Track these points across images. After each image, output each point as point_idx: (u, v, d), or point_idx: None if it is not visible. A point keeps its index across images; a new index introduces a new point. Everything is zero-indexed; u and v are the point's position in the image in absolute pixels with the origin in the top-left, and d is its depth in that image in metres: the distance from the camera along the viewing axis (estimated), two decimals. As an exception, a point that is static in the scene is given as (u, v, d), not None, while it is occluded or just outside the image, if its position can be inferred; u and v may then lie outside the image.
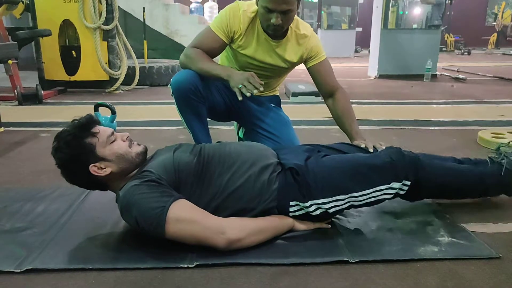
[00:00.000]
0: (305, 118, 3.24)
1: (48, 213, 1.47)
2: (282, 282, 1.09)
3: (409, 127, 2.99)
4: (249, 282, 1.09)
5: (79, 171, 1.24)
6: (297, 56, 1.91)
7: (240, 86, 1.61)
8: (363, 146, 1.58)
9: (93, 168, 1.23)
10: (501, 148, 1.57)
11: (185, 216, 1.15)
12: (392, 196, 1.32)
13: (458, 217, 1.46)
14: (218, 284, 1.08)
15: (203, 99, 1.86)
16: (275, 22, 1.68)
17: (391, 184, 1.30)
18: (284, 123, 2.04)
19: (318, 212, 1.28)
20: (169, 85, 1.88)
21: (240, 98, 1.63)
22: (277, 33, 1.79)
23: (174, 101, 1.88)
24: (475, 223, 1.43)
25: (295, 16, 1.83)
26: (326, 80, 1.95)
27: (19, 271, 1.11)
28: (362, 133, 1.78)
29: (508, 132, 2.60)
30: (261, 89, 1.62)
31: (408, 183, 1.32)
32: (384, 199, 1.32)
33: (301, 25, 1.91)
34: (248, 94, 1.60)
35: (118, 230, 1.34)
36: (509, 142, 1.64)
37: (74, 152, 1.22)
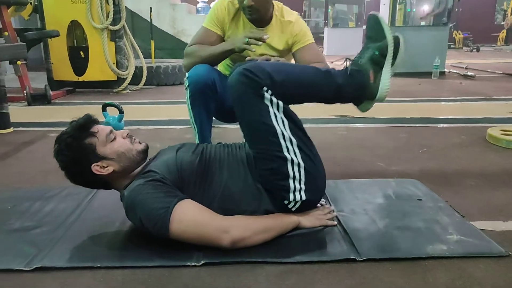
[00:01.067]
0: (311, 116, 3.23)
1: (56, 212, 1.48)
2: (288, 280, 1.08)
3: (418, 125, 2.97)
4: (256, 281, 1.09)
5: (82, 172, 1.25)
6: (282, 42, 1.93)
7: (247, 40, 1.68)
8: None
9: (95, 168, 1.23)
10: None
11: (189, 217, 1.15)
12: (278, 103, 1.25)
13: (467, 215, 1.44)
14: (225, 282, 1.08)
15: (216, 95, 1.87)
16: (247, 2, 1.75)
17: (267, 103, 1.23)
18: None
19: (302, 194, 1.26)
20: (185, 78, 1.87)
21: (254, 50, 1.70)
22: (253, 16, 1.82)
23: (187, 94, 1.86)
24: (484, 221, 1.42)
25: (280, 4, 1.91)
26: (316, 58, 1.93)
27: (28, 269, 1.12)
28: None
29: (517, 129, 2.57)
30: (265, 37, 1.67)
31: (265, 88, 1.23)
32: (284, 110, 1.27)
33: (285, 12, 1.94)
34: (259, 43, 1.68)
35: (125, 228, 1.35)
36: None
37: (75, 153, 1.23)
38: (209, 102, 1.87)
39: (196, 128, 1.95)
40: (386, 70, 1.37)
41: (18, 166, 2.14)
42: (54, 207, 1.53)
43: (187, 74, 1.87)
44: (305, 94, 1.34)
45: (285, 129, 1.25)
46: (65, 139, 1.23)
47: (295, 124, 1.29)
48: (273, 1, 1.91)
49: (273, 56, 1.78)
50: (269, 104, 1.24)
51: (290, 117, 1.28)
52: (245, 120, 1.30)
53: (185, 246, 1.18)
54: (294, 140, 1.26)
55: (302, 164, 1.26)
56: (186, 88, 1.86)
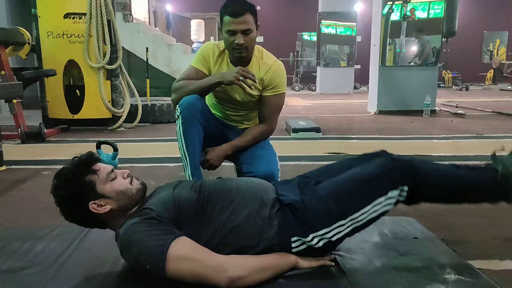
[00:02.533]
0: (306, 154, 3.24)
1: (47, 252, 1.45)
2: (285, 323, 1.05)
3: (411, 162, 2.99)
4: (252, 323, 1.06)
5: (78, 209, 1.23)
6: (257, 82, 1.97)
7: (241, 78, 1.80)
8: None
9: (92, 206, 1.22)
10: (496, 154, 1.52)
11: (186, 255, 1.13)
12: (393, 205, 1.28)
13: (463, 254, 1.43)
14: (220, 326, 1.05)
15: (205, 123, 1.95)
16: (238, 41, 1.84)
17: (388, 194, 1.26)
18: (260, 157, 2.02)
19: (321, 243, 1.26)
20: (176, 107, 1.94)
21: (247, 89, 1.85)
22: (242, 54, 1.90)
23: (179, 122, 1.92)
24: (481, 259, 1.41)
25: (261, 48, 2.03)
26: (265, 111, 2.05)
27: (15, 313, 1.08)
28: (229, 145, 1.99)
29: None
30: (255, 76, 1.83)
31: (406, 188, 1.28)
32: (386, 211, 1.29)
33: (265, 55, 2.04)
34: (254, 84, 1.83)
35: (117, 269, 1.32)
36: (503, 147, 1.62)
37: (74, 189, 1.22)
38: (200, 129, 1.94)
39: (187, 158, 1.96)
40: None
41: (9, 204, 2.11)
42: (45, 247, 1.49)
43: (178, 104, 1.95)
44: (445, 199, 1.44)
45: (369, 213, 1.27)
46: (65, 174, 1.23)
47: (368, 223, 1.31)
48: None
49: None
50: (389, 195, 1.27)
51: (376, 219, 1.30)
52: (358, 176, 1.32)
53: (182, 285, 1.15)
54: (359, 223, 1.27)
55: (340, 234, 1.27)
56: (177, 117, 1.93)
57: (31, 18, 4.69)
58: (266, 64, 1.99)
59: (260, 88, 2.02)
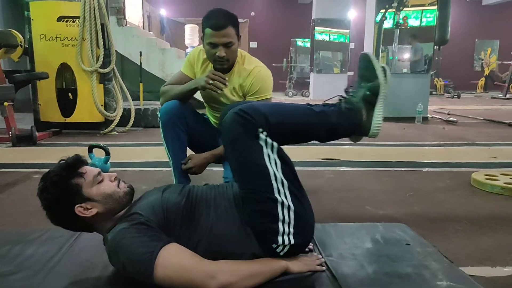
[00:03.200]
0: (298, 159, 3.25)
1: (36, 257, 1.43)
2: (277, 329, 1.05)
3: (403, 169, 3.01)
4: (243, 329, 1.05)
5: (64, 212, 1.22)
6: (237, 88, 2.03)
7: (211, 82, 1.87)
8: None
9: (78, 209, 1.21)
10: (346, 89, 1.50)
11: (174, 262, 1.12)
12: (272, 144, 1.25)
13: (455, 260, 1.43)
14: (211, 332, 1.04)
15: (187, 127, 2.02)
16: (220, 54, 1.89)
17: (261, 144, 1.23)
18: None
19: (291, 238, 1.23)
20: (157, 112, 2.02)
21: (219, 91, 1.90)
22: (224, 65, 1.95)
23: (161, 126, 2.03)
24: (472, 266, 1.41)
25: (245, 53, 2.07)
26: None
27: (2, 318, 1.07)
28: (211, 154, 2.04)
29: (501, 174, 2.62)
30: (226, 79, 1.89)
31: (261, 129, 1.23)
32: (278, 152, 1.26)
33: (246, 61, 2.06)
34: (223, 87, 1.88)
35: (107, 273, 1.30)
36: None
37: (60, 192, 1.20)
38: (180, 133, 2.01)
39: (170, 158, 2.07)
40: (378, 109, 1.42)
41: (-2, 208, 2.08)
42: (34, 251, 1.47)
43: (161, 107, 2.04)
44: (300, 135, 1.37)
45: (277, 170, 1.25)
46: (51, 177, 1.21)
47: (288, 167, 1.29)
48: (239, 49, 2.03)
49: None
50: (263, 144, 1.24)
51: (283, 158, 1.29)
52: (237, 160, 1.28)
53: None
54: (285, 183, 1.25)
55: (292, 207, 1.25)
56: (159, 121, 2.03)
57: (24, 21, 4.67)
58: (245, 70, 2.01)
59: (241, 94, 2.03)
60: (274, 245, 1.25)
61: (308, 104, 1.45)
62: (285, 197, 1.24)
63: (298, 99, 11.08)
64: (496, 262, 1.45)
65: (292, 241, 1.25)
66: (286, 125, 1.31)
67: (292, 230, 1.25)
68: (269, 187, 1.23)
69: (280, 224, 1.23)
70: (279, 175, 1.25)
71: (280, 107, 1.39)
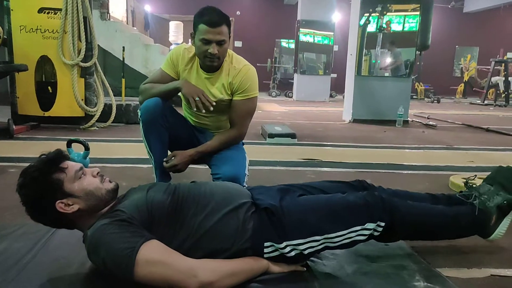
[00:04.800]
0: (281, 159, 3.25)
1: (10, 252, 1.39)
2: (255, 328, 1.04)
3: (383, 171, 3.04)
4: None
5: (45, 208, 1.19)
6: (226, 86, 2.02)
7: (197, 99, 1.87)
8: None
9: (59, 205, 1.18)
10: (468, 182, 1.62)
11: (155, 258, 1.11)
12: (366, 237, 1.32)
13: (433, 262, 1.45)
14: (189, 330, 1.03)
15: (168, 124, 1.99)
16: (212, 51, 1.87)
17: (366, 225, 1.30)
18: (228, 160, 2.02)
19: (293, 253, 1.25)
20: (137, 110, 1.98)
21: (194, 109, 1.90)
22: (214, 63, 1.94)
23: (141, 124, 2.00)
24: (449, 268, 1.43)
25: (232, 52, 2.06)
26: (235, 116, 2.08)
27: (-27, 315, 1.03)
28: (195, 151, 2.01)
29: (478, 178, 2.67)
30: (213, 104, 1.90)
31: (383, 224, 1.31)
32: (359, 241, 1.31)
33: (234, 59, 2.06)
34: (203, 111, 1.90)
35: (84, 271, 1.28)
36: (475, 175, 1.70)
37: (41, 188, 1.17)
38: (161, 130, 1.98)
39: (152, 157, 2.03)
40: (508, 218, 1.51)
41: (-29, 202, 2.02)
42: (7, 247, 1.43)
43: (141, 105, 2.01)
44: (421, 237, 1.52)
45: (345, 237, 1.29)
46: (31, 173, 1.18)
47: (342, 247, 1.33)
48: None
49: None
50: (365, 227, 1.30)
51: (348, 246, 1.34)
52: (340, 199, 1.35)
53: (148, 289, 1.12)
54: (332, 245, 1.29)
55: (312, 250, 1.28)
56: (139, 119, 2.00)
57: (3, 11, 4.54)
58: (235, 68, 2.01)
59: (229, 92, 2.02)
60: (268, 243, 1.24)
61: (444, 201, 1.56)
62: (320, 244, 1.28)
63: (281, 99, 11.10)
64: (472, 264, 1.48)
65: (291, 254, 1.26)
66: (417, 227, 1.43)
67: (294, 253, 1.26)
68: (331, 229, 1.28)
69: (299, 241, 1.25)
70: (340, 240, 1.29)
71: (418, 209, 1.45)
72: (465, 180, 1.66)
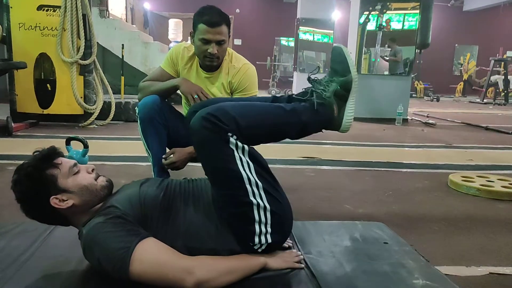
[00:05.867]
0: (280, 157, 3.25)
1: (7, 250, 1.39)
2: (254, 326, 1.04)
3: (382, 169, 3.04)
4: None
5: (39, 204, 1.18)
6: (225, 85, 2.03)
7: (196, 96, 1.86)
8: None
9: (54, 201, 1.17)
10: (310, 78, 1.46)
11: (151, 257, 1.10)
12: (243, 147, 1.22)
13: (431, 260, 1.45)
14: (187, 328, 1.02)
15: (166, 122, 1.99)
16: (212, 51, 1.87)
17: (232, 148, 1.20)
18: None
19: (263, 238, 1.23)
20: (135, 107, 2.02)
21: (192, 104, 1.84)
22: (214, 63, 1.94)
23: (138, 122, 1.99)
24: (448, 266, 1.43)
25: (231, 50, 2.06)
26: None
27: (-30, 313, 1.03)
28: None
29: (477, 176, 2.67)
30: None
31: (230, 134, 1.19)
32: (249, 153, 1.23)
33: (234, 58, 2.06)
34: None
35: (81, 269, 1.27)
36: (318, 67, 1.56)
37: (35, 184, 1.17)
38: (159, 127, 1.98)
39: (150, 155, 2.04)
40: (349, 104, 1.39)
41: (-30, 200, 2.01)
42: (5, 245, 1.43)
43: (138, 103, 2.01)
44: (271, 135, 1.34)
45: (251, 173, 1.22)
46: (25, 169, 1.17)
47: (261, 166, 1.27)
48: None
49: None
50: (234, 148, 1.20)
51: (256, 159, 1.26)
52: (209, 166, 1.25)
53: (146, 287, 1.12)
54: (260, 184, 1.23)
55: (268, 207, 1.23)
56: (136, 117, 2.00)
57: (2, 8, 4.53)
58: (234, 67, 2.01)
59: (228, 91, 2.02)
60: (251, 243, 1.24)
61: (276, 100, 1.42)
62: (261, 198, 1.22)
63: (280, 98, 11.08)
64: (471, 262, 1.48)
65: (270, 240, 1.24)
66: (257, 127, 1.28)
67: (269, 229, 1.24)
68: (243, 191, 1.21)
69: (256, 226, 1.22)
70: (253, 177, 1.22)
71: (250, 108, 1.34)
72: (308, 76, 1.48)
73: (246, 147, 1.22)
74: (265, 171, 1.28)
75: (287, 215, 1.32)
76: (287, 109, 1.34)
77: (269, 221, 1.23)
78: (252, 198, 1.21)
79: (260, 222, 1.22)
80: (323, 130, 1.45)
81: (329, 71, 1.44)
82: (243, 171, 1.21)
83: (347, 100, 1.38)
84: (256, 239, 1.23)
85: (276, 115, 1.33)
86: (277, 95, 1.46)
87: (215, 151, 1.21)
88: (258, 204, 1.21)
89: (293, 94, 1.45)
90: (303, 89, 1.42)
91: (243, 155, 1.22)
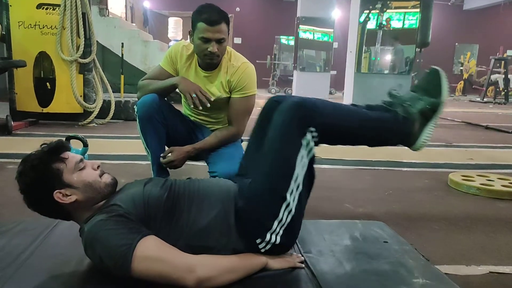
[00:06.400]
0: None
1: (7, 249, 1.38)
2: (254, 325, 1.04)
3: (383, 168, 3.04)
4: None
5: (42, 197, 1.18)
6: (224, 84, 2.02)
7: (194, 95, 1.86)
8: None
9: (57, 195, 1.17)
10: (391, 92, 1.50)
11: (153, 254, 1.10)
12: (313, 148, 1.26)
13: (431, 258, 1.45)
14: (187, 327, 1.02)
15: (165, 121, 1.99)
16: (212, 50, 1.86)
17: (303, 143, 1.23)
18: (225, 158, 2.02)
19: (279, 238, 1.24)
20: (134, 106, 2.01)
21: (191, 106, 1.89)
22: (214, 61, 1.94)
23: (137, 120, 2.00)
24: (448, 265, 1.43)
25: (231, 49, 2.05)
26: (233, 114, 2.06)
27: (-30, 312, 1.03)
28: (192, 147, 2.01)
29: (477, 175, 2.67)
30: (211, 99, 1.90)
31: (313, 129, 1.24)
32: (312, 157, 1.27)
33: (233, 57, 2.04)
34: (200, 108, 1.88)
35: (82, 268, 1.27)
36: (400, 84, 1.63)
37: (39, 176, 1.17)
38: (158, 126, 1.98)
39: (149, 153, 2.03)
40: (431, 125, 1.44)
41: (-31, 198, 2.01)
42: (6, 243, 1.43)
43: (137, 102, 2.01)
44: (351, 139, 1.40)
45: (301, 173, 1.24)
46: (31, 160, 1.17)
47: (310, 175, 1.29)
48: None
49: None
50: (304, 144, 1.24)
51: (311, 168, 1.29)
52: (269, 144, 1.28)
53: (148, 286, 1.12)
54: (300, 188, 1.25)
55: (293, 211, 1.25)
56: (136, 115, 2.00)
57: (2, 7, 4.53)
58: (233, 66, 2.00)
59: (227, 90, 2.01)
60: (259, 240, 1.24)
61: (364, 106, 1.45)
62: (293, 200, 1.24)
63: (280, 97, 11.07)
64: (471, 261, 1.48)
65: (278, 241, 1.25)
66: (340, 128, 1.32)
67: (281, 231, 1.25)
68: (285, 185, 1.23)
69: (275, 223, 1.23)
70: (300, 178, 1.24)
71: (340, 109, 1.38)
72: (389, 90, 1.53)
73: (313, 150, 1.26)
74: (309, 182, 1.31)
75: (298, 227, 1.34)
76: (373, 116, 1.38)
77: (286, 224, 1.25)
78: (288, 195, 1.23)
79: (280, 221, 1.24)
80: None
81: (417, 89, 1.48)
82: (297, 168, 1.24)
83: (429, 121, 1.43)
84: (267, 236, 1.23)
85: (361, 120, 1.37)
86: (356, 104, 1.49)
87: (286, 136, 1.24)
88: (288, 204, 1.23)
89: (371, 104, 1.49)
90: (383, 102, 1.47)
91: (306, 156, 1.25)
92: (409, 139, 1.43)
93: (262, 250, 1.26)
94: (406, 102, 1.43)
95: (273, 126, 1.30)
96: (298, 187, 1.25)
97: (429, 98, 1.43)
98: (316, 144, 1.27)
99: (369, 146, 1.46)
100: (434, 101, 1.42)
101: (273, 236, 1.24)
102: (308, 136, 1.24)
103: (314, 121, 1.24)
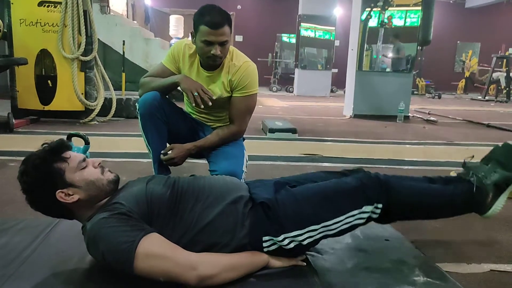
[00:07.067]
0: (281, 154, 3.25)
1: (10, 246, 1.39)
2: (255, 323, 1.04)
3: (384, 166, 3.04)
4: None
5: (45, 197, 1.19)
6: (226, 83, 2.01)
7: (196, 94, 1.85)
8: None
9: (59, 195, 1.18)
10: (467, 163, 1.57)
11: (155, 252, 1.11)
12: (365, 220, 1.31)
13: (432, 257, 1.46)
14: (189, 324, 1.03)
15: (166, 118, 1.99)
16: (215, 52, 1.85)
17: (363, 208, 1.29)
18: (226, 157, 2.02)
19: (292, 245, 1.25)
20: (136, 104, 2.01)
21: (193, 104, 1.88)
22: (217, 63, 1.94)
23: (139, 117, 1.99)
24: (449, 262, 1.44)
25: (232, 48, 2.03)
26: (234, 112, 2.06)
27: (-27, 308, 1.04)
28: (193, 145, 2.00)
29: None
30: (213, 98, 1.89)
31: (380, 205, 1.31)
32: (358, 224, 1.31)
33: (235, 56, 2.03)
34: (202, 106, 1.87)
35: (84, 265, 1.28)
36: (472, 156, 1.68)
37: (42, 176, 1.17)
38: (160, 124, 1.98)
39: (151, 151, 2.03)
40: (503, 197, 1.47)
41: (-28, 196, 2.02)
42: (8, 241, 1.44)
43: (138, 100, 2.01)
44: (417, 215, 1.49)
45: (343, 224, 1.29)
46: (33, 160, 1.18)
47: (344, 231, 1.33)
48: None
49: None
50: (364, 210, 1.30)
51: (352, 228, 1.33)
52: (333, 189, 1.33)
53: (148, 284, 1.12)
54: (333, 232, 1.29)
55: (313, 238, 1.27)
56: (137, 112, 1.99)
57: (3, 4, 4.53)
58: (234, 65, 1.99)
59: (228, 89, 2.01)
60: (267, 238, 1.25)
61: (431, 181, 1.50)
62: (319, 232, 1.27)
63: (282, 94, 11.07)
64: (472, 259, 1.48)
65: (290, 246, 1.26)
66: (411, 208, 1.41)
67: (306, 243, 1.27)
68: (327, 217, 1.27)
69: (297, 231, 1.25)
70: (339, 226, 1.28)
71: (417, 192, 1.43)
72: (463, 161, 1.62)
73: (363, 221, 1.32)
74: (340, 234, 1.33)
75: (307, 248, 1.35)
76: (447, 194, 1.44)
77: (316, 240, 1.29)
78: (320, 225, 1.27)
79: (299, 235, 1.26)
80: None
81: (492, 162, 1.52)
82: (344, 217, 1.29)
83: (502, 192, 1.46)
84: (282, 237, 1.25)
85: (434, 197, 1.44)
86: (430, 176, 1.56)
87: (347, 199, 1.30)
88: (314, 230, 1.27)
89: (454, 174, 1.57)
90: (456, 174, 1.56)
91: (358, 218, 1.30)
92: (481, 208, 1.47)
93: (265, 250, 1.26)
94: (481, 173, 1.49)
95: (346, 180, 1.36)
96: (331, 229, 1.28)
97: (503, 171, 1.47)
98: (371, 219, 1.33)
99: (435, 219, 1.57)
100: (509, 175, 1.46)
101: (288, 241, 1.25)
102: (370, 208, 1.30)
103: (384, 199, 1.31)
